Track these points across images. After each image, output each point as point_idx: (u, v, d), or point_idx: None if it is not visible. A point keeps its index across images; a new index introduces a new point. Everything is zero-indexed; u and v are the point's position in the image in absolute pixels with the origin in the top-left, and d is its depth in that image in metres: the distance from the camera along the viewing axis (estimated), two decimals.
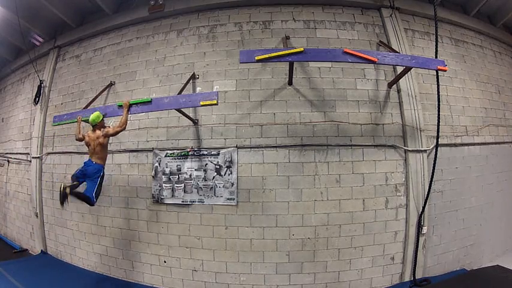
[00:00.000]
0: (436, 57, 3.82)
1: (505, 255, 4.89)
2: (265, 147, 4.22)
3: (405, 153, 4.25)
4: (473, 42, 5.32)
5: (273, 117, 4.28)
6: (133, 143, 4.70)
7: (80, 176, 3.59)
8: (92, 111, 3.95)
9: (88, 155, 3.73)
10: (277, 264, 4.11)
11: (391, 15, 4.64)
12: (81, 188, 3.55)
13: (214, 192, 4.28)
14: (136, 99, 3.93)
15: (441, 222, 4.39)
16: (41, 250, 5.49)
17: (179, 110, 3.98)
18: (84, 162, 3.69)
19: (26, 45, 5.92)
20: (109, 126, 3.83)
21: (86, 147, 3.80)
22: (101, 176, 3.64)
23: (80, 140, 3.87)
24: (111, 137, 3.77)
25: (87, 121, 3.87)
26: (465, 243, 4.56)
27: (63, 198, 3.26)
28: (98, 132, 3.68)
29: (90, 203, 3.54)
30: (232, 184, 4.22)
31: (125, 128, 3.60)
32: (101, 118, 3.75)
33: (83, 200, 3.52)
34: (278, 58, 3.51)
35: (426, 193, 4.06)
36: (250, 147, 4.24)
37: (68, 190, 3.29)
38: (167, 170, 4.44)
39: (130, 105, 3.71)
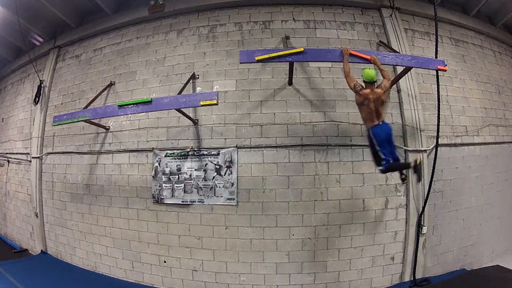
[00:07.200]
0: (436, 57, 3.82)
1: (505, 255, 4.88)
2: (265, 147, 4.22)
3: (405, 153, 4.25)
4: (473, 42, 5.32)
5: (273, 117, 4.28)
6: (133, 143, 4.69)
7: (387, 146, 3.29)
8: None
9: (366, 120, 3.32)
10: (277, 264, 4.11)
11: (391, 15, 4.63)
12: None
13: (214, 192, 4.28)
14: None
15: (441, 222, 4.38)
16: (41, 250, 5.48)
17: (179, 110, 3.98)
18: (381, 128, 3.25)
19: (26, 45, 5.91)
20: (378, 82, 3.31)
21: (359, 106, 3.28)
22: None
23: (356, 90, 3.24)
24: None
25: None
26: (465, 243, 4.56)
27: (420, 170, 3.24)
28: (378, 89, 3.21)
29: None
30: (232, 184, 4.22)
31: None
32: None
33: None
34: (278, 58, 3.52)
35: (426, 193, 4.06)
36: (250, 147, 4.24)
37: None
38: (167, 170, 4.44)
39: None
